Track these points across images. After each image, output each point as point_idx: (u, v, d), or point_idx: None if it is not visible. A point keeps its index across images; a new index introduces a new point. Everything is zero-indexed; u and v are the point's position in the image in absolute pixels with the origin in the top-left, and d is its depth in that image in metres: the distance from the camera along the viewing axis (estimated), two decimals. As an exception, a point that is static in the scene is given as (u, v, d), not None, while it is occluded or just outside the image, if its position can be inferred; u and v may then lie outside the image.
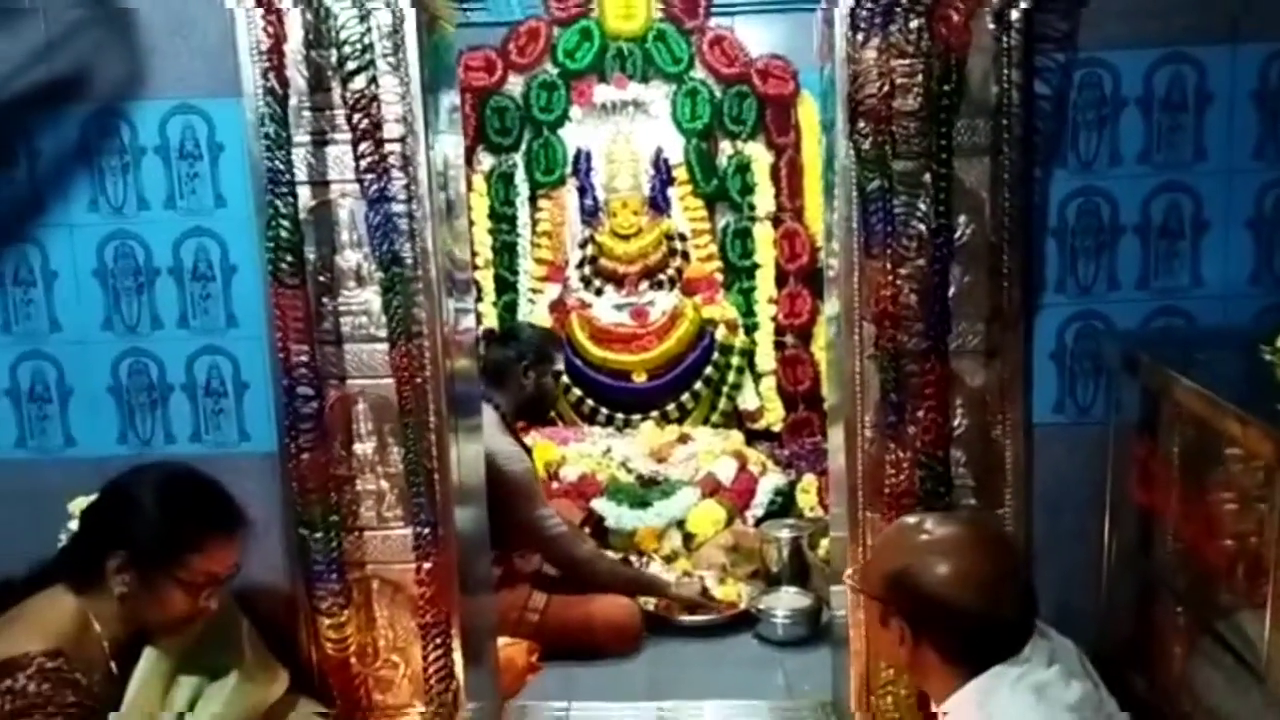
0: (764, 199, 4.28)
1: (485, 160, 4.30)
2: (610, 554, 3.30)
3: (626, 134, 4.31)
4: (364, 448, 2.04)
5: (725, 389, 4.21)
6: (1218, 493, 1.73)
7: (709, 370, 4.19)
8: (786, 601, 3.05)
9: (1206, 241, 1.99)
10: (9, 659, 1.55)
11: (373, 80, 1.87)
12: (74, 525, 1.82)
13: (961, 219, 1.94)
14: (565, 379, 4.15)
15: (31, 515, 2.07)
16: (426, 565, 2.03)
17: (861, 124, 1.90)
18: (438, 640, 2.05)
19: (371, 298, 1.98)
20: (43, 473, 2.13)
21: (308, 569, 2.03)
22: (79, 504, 1.81)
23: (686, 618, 3.07)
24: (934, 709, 1.56)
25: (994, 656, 1.44)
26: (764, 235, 4.30)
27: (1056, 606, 2.07)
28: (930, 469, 1.92)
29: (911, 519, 1.63)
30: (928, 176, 1.90)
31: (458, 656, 2.09)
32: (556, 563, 3.01)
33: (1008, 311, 1.96)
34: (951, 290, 1.94)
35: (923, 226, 1.91)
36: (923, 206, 1.91)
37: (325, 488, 2.00)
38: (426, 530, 2.01)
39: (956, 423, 2.00)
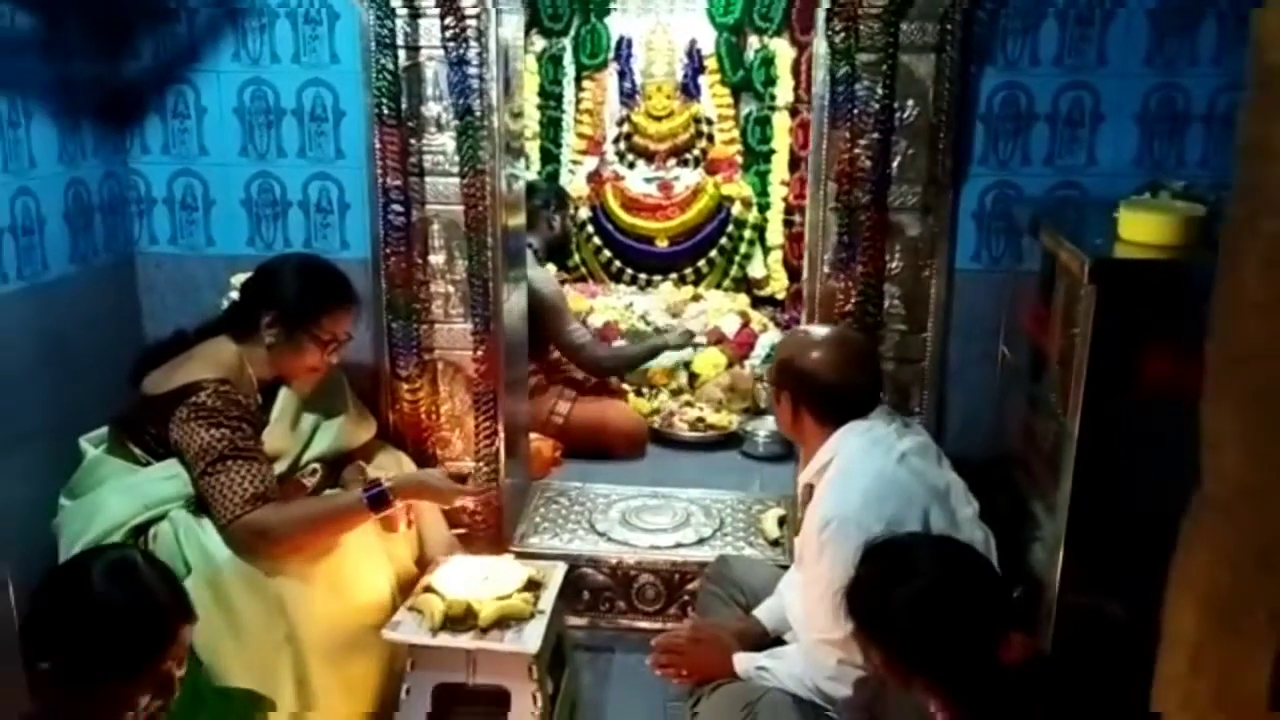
0: (784, 91, 4.73)
1: (537, 43, 4.78)
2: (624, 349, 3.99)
3: (665, 25, 4.78)
4: (437, 259, 2.65)
5: (737, 258, 4.75)
6: (1076, 326, 2.25)
7: (723, 241, 4.72)
8: (769, 425, 3.66)
9: (1101, 130, 2.50)
10: (191, 382, 2.18)
11: (456, -34, 2.42)
12: (234, 295, 2.44)
13: (910, 103, 2.48)
14: (596, 240, 4.75)
15: (178, 296, 2.74)
16: (481, 350, 2.66)
17: (835, 22, 2.42)
18: (486, 407, 2.70)
19: (448, 141, 2.56)
20: (189, 265, 2.77)
21: (392, 348, 2.67)
22: (239, 278, 2.42)
23: (686, 433, 3.71)
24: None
25: (847, 416, 2.06)
26: (781, 124, 4.76)
27: (964, 416, 2.68)
28: (866, 294, 2.51)
29: (799, 327, 2.23)
30: (885, 67, 2.44)
31: (500, 426, 2.74)
32: (584, 365, 3.65)
33: (941, 178, 2.51)
34: (897, 159, 2.50)
35: (877, 106, 2.45)
36: (879, 91, 2.45)
37: (408, 286, 2.63)
38: (482, 323, 2.64)
39: (895, 264, 2.57)
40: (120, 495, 2.15)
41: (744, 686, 2.12)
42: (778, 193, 4.78)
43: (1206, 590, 0.70)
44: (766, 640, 2.29)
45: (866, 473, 2.00)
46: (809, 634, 2.06)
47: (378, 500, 2.23)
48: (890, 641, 1.53)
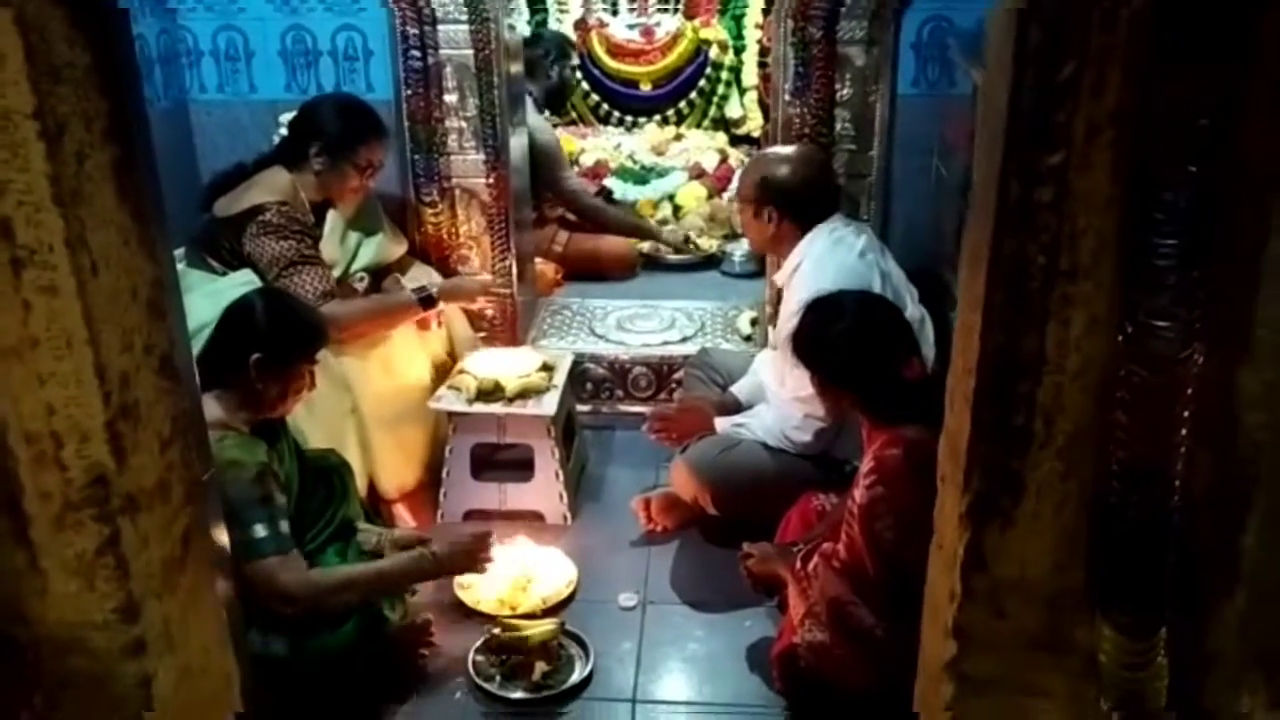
0: (757, -65, 5.04)
1: (521, -107, 5.02)
2: (613, 209, 4.36)
3: None
4: (450, 97, 3.05)
5: (715, 99, 5.14)
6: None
7: (703, 83, 5.10)
8: (744, 246, 4.13)
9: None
10: (257, 204, 2.62)
11: None
12: (283, 132, 2.86)
13: (857, -53, 2.86)
14: (585, 85, 5.10)
15: (227, 137, 3.15)
16: (492, 177, 3.11)
17: (790, -125, 2.78)
18: (499, 227, 3.16)
19: (456, -7, 2.94)
20: (234, 109, 3.17)
21: (416, 178, 3.11)
22: (286, 117, 2.83)
23: (672, 257, 4.19)
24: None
25: (815, 217, 2.53)
26: (756, -33, 5.08)
27: (906, 222, 3.15)
28: (819, 118, 2.94)
29: (764, 151, 2.68)
30: (833, -84, 2.81)
31: (512, 243, 3.20)
32: (574, 210, 4.09)
33: (884, 13, 2.90)
34: (847, -1, 2.90)
35: (827, -50, 2.83)
36: (828, -63, 2.83)
37: (426, 122, 3.05)
38: (492, 153, 3.07)
39: (845, 91, 2.99)
40: (206, 299, 2.59)
41: (725, 436, 2.66)
42: (752, 35, 5.12)
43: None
44: (740, 410, 2.81)
45: (833, 265, 2.49)
46: (782, 394, 2.58)
47: (426, 300, 2.73)
48: (824, 368, 2.05)
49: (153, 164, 1.41)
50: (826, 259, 2.52)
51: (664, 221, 4.51)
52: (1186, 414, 1.01)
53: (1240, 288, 0.96)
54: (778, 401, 2.63)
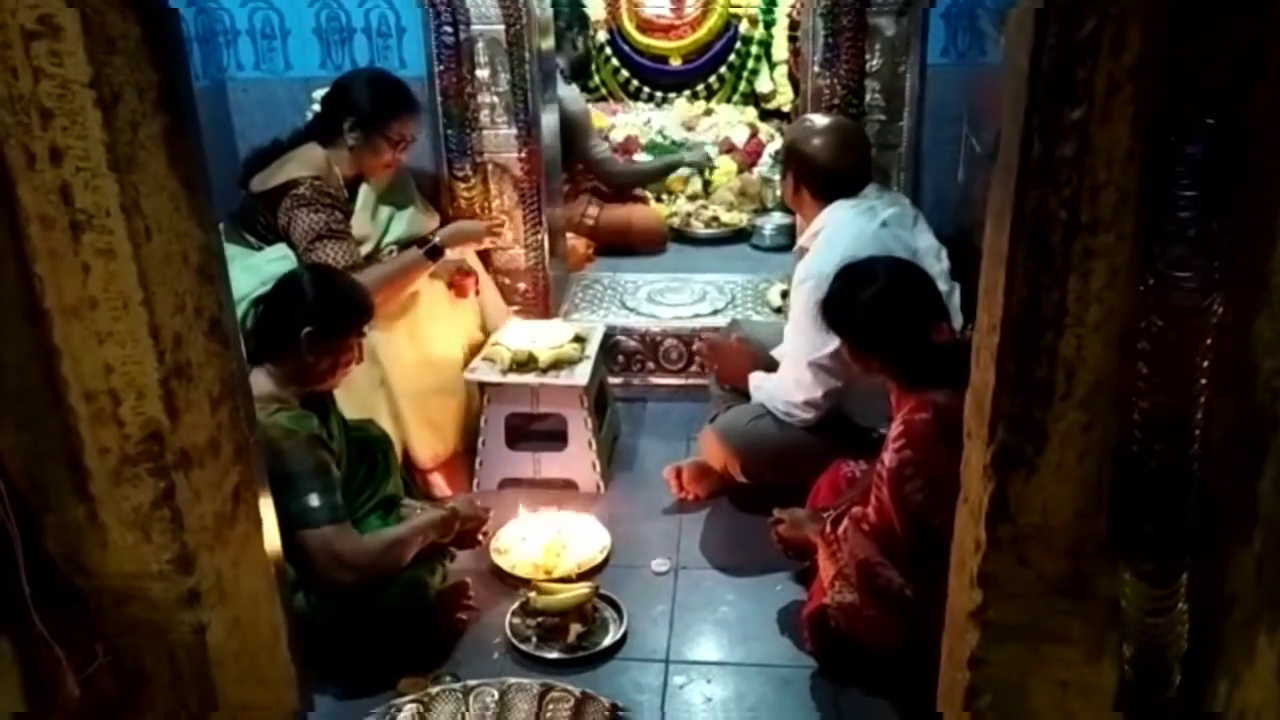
0: (787, -93, 5.01)
1: None
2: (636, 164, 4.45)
3: None
4: (482, 73, 3.09)
5: (745, 73, 5.13)
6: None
7: (732, 57, 5.10)
8: (774, 220, 4.16)
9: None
10: (292, 179, 2.67)
11: None
12: (315, 108, 2.91)
13: (885, -82, 2.86)
14: (614, 61, 5.12)
15: (263, 115, 3.20)
16: (524, 152, 3.14)
17: None
18: (531, 201, 3.20)
19: (487, -34, 2.97)
20: (270, 87, 3.22)
21: (448, 153, 3.15)
22: (319, 93, 2.88)
23: (702, 230, 4.21)
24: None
25: (838, 194, 2.53)
26: (785, -61, 5.05)
27: (936, 191, 3.16)
28: (849, 89, 2.94)
29: (806, 115, 2.69)
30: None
31: (544, 216, 3.24)
32: (601, 177, 4.14)
33: (914, -19, 2.91)
34: (877, -33, 2.90)
35: (854, -76, 2.83)
36: (855, -89, 2.83)
37: (459, 97, 3.08)
38: (524, 128, 3.11)
39: (876, 61, 2.99)
40: (243, 273, 2.64)
41: (754, 405, 2.68)
42: (782, 8, 5.09)
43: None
44: None
45: (849, 234, 2.49)
46: (787, 358, 2.60)
47: (432, 251, 2.77)
48: (854, 332, 2.07)
49: (199, 135, 1.46)
50: (844, 229, 2.51)
51: (694, 196, 4.54)
52: (1206, 363, 1.03)
53: (1257, 238, 0.98)
54: (783, 367, 2.63)
